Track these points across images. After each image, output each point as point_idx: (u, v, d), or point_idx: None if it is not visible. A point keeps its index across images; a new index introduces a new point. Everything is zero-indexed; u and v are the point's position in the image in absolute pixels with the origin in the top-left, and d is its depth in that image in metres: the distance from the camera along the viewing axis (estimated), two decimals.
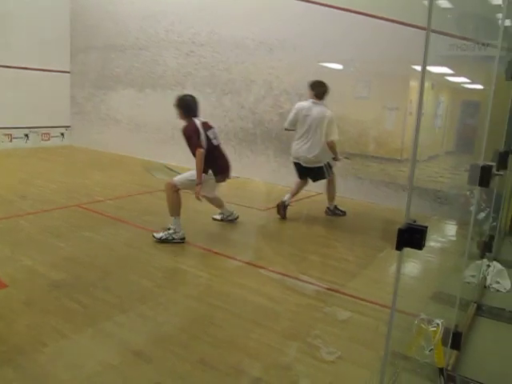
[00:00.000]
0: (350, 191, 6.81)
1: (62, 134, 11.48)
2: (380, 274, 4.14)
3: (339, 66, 7.18)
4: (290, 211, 5.59)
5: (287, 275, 3.86)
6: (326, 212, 5.99)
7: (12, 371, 2.40)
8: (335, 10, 6.73)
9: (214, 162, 4.66)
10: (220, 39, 8.40)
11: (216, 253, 4.32)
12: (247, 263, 4.11)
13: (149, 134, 9.69)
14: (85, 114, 11.35)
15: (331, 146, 5.46)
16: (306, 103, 5.49)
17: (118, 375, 2.43)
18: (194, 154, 4.50)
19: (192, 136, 4.53)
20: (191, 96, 4.82)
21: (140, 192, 6.72)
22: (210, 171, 4.63)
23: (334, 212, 5.95)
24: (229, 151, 8.11)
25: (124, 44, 10.16)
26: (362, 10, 6.42)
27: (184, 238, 4.48)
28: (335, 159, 5.66)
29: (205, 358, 2.61)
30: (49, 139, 11.17)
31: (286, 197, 5.63)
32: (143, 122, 9.83)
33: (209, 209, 5.31)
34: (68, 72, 11.44)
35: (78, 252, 4.09)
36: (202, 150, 4.44)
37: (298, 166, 5.62)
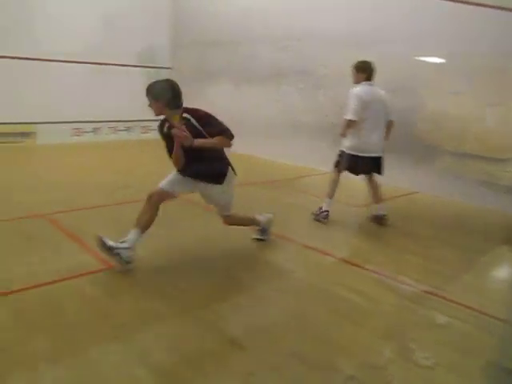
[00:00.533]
0: (446, 190, 6.49)
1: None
2: (482, 280, 3.93)
3: (438, 60, 6.83)
4: (388, 208, 5.38)
5: (383, 274, 3.78)
6: (376, 219, 5.28)
7: (121, 346, 2.60)
8: (429, 2, 6.41)
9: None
10: (315, 33, 8.34)
11: (311, 248, 4.32)
12: (343, 260, 4.08)
13: (243, 127, 9.87)
14: None
15: (391, 126, 5.13)
16: (364, 88, 4.97)
17: (214, 361, 2.53)
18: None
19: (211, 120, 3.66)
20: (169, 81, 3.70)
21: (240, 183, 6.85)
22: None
23: (381, 218, 5.25)
24: (323, 147, 8.17)
25: (221, 40, 10.44)
26: None
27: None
28: (386, 139, 5.16)
29: (297, 351, 2.64)
30: (148, 132, 11.78)
31: (377, 207, 5.24)
32: (239, 117, 10.01)
33: (305, 203, 5.33)
34: (168, 68, 11.98)
35: (178, 240, 4.31)
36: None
37: (359, 160, 5.02)
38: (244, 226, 4.32)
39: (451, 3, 6.09)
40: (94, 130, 10.85)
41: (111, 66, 10.74)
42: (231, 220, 4.09)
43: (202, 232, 4.67)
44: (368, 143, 4.98)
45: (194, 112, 3.63)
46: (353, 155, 5.01)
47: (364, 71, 5.04)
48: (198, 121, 3.58)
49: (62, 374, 2.34)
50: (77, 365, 2.42)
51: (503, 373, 2.26)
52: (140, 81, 11.17)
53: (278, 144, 9.03)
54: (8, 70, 9.41)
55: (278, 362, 2.53)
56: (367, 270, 3.87)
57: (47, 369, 2.37)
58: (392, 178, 7.04)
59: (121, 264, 3.48)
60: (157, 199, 3.63)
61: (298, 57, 8.74)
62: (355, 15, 7.57)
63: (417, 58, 6.92)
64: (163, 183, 3.70)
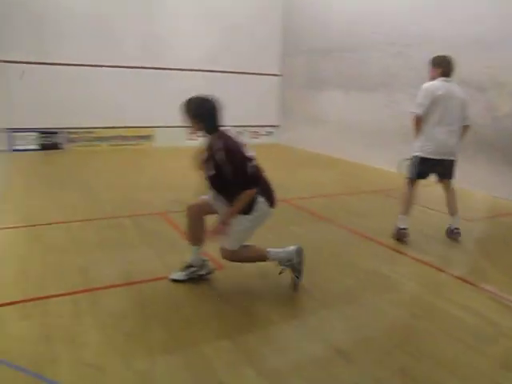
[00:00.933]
0: None
1: (271, 133, 12.32)
2: None
3: None
4: (506, 224, 4.99)
5: (501, 295, 3.50)
6: (448, 233, 4.82)
7: (231, 344, 2.70)
8: None
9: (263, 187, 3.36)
10: (430, 39, 7.97)
11: (424, 262, 4.13)
12: (458, 277, 3.84)
13: (355, 135, 9.76)
14: (293, 114, 11.98)
15: (466, 131, 4.65)
16: (437, 82, 4.49)
17: (320, 368, 2.52)
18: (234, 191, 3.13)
19: (235, 161, 3.09)
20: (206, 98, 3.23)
21: (346, 193, 6.82)
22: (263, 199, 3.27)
23: (452, 232, 4.78)
24: None
25: (331, 47, 10.42)
26: None
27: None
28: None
29: (406, 368, 2.54)
30: (258, 137, 12.08)
31: (453, 221, 4.77)
32: (349, 124, 9.94)
33: (419, 215, 5.14)
34: (279, 75, 12.21)
35: (287, 245, 4.34)
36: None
37: (430, 162, 4.53)
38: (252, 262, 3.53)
39: None
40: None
41: (226, 74, 11.20)
42: (232, 257, 3.34)
43: (309, 237, 4.69)
44: (442, 143, 4.50)
45: (221, 143, 3.10)
46: (424, 158, 4.55)
47: (439, 66, 4.59)
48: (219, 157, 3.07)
49: (175, 363, 2.49)
50: (190, 357, 2.55)
51: None
52: (251, 87, 11.59)
53: (389, 151, 8.77)
54: (135, 78, 10.25)
55: (384, 377, 2.47)
56: (484, 289, 3.62)
57: (163, 357, 2.53)
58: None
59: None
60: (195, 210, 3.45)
61: (411, 62, 8.43)
62: (475, 15, 7.12)
63: None
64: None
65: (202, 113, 3.17)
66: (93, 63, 9.79)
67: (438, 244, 4.75)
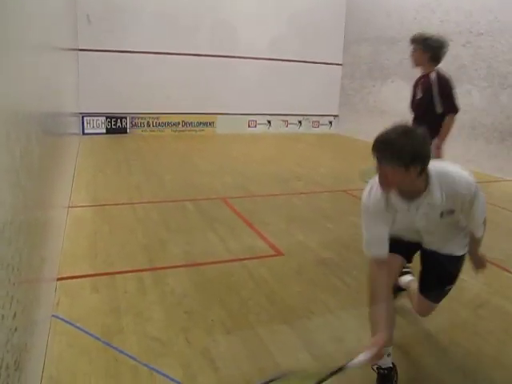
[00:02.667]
0: None
1: (330, 123, 12.22)
2: None
3: None
4: None
5: None
6: None
7: (287, 328, 2.76)
8: None
9: None
10: (503, 27, 7.60)
11: (490, 262, 3.99)
12: None
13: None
14: (353, 104, 11.80)
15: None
16: None
17: None
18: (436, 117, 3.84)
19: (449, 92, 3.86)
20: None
21: None
22: None
23: None
24: (502, 152, 7.47)
25: (396, 36, 10.13)
26: None
27: None
28: None
29: (464, 367, 2.50)
30: (318, 126, 12.02)
31: None
32: (410, 115, 9.67)
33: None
34: (339, 64, 12.04)
35: (345, 235, 4.35)
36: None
37: None
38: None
39: None
40: (268, 123, 11.44)
41: (290, 63, 11.19)
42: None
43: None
44: None
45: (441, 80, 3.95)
46: None
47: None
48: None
49: (234, 343, 2.58)
50: (247, 338, 2.63)
51: None
52: (313, 77, 11.50)
53: (454, 146, 8.47)
54: (199, 65, 10.45)
55: (441, 374, 2.43)
56: None
57: (222, 336, 2.63)
58: None
59: None
60: None
61: (481, 53, 8.07)
62: None
63: None
64: None
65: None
66: (159, 51, 10.07)
67: (504, 243, 4.58)
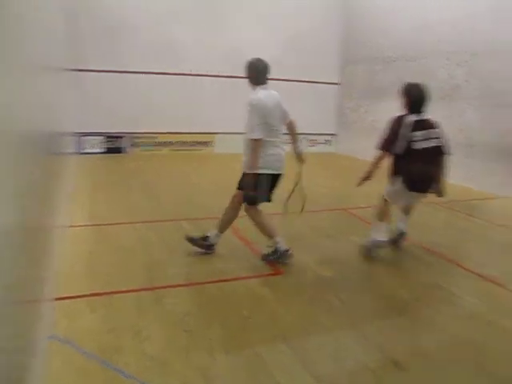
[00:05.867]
0: None
1: (328, 141, 12.30)
2: None
3: None
4: None
5: None
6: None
7: (287, 348, 2.75)
8: None
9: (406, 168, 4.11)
10: (498, 47, 7.72)
11: (482, 277, 4.01)
12: None
13: None
14: (350, 123, 11.91)
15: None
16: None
17: (374, 378, 2.53)
18: None
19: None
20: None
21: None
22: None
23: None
24: (499, 169, 7.52)
25: (392, 56, 10.28)
26: None
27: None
28: None
29: (462, 382, 2.50)
30: (314, 145, 12.08)
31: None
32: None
33: (478, 228, 5.00)
34: (336, 83, 12.18)
35: (344, 254, 4.36)
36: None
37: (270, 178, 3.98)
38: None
39: None
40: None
41: (288, 82, 11.31)
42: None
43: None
44: (280, 157, 4.11)
45: None
46: (268, 174, 4.02)
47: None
48: None
49: (234, 362, 2.58)
50: (247, 358, 2.63)
51: None
52: (309, 96, 11.60)
53: (450, 164, 8.55)
54: (197, 86, 10.56)
55: None
56: None
57: (222, 356, 2.62)
58: None
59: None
60: None
61: (476, 72, 8.18)
62: None
63: None
64: None
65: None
66: (157, 71, 10.17)
67: (498, 258, 4.61)
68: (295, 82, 11.39)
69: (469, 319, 3.29)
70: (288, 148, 4.05)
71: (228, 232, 4.81)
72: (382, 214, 4.28)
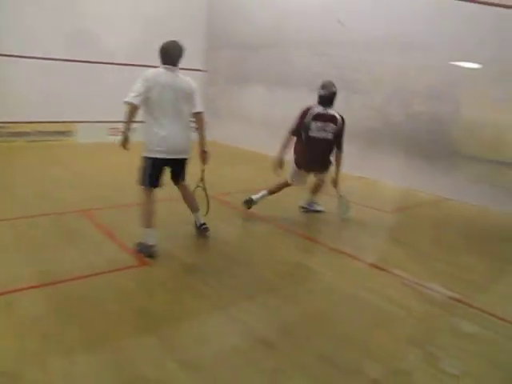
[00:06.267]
0: (483, 199, 6.39)
1: (196, 129, 12.25)
2: (511, 289, 3.88)
3: (475, 66, 6.71)
4: (419, 214, 5.38)
5: (412, 280, 3.78)
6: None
7: (154, 339, 2.71)
8: (469, 6, 6.25)
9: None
10: (350, 39, 8.33)
11: (341, 251, 4.35)
12: (372, 265, 4.09)
13: (277, 131, 9.93)
14: (217, 109, 11.97)
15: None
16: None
17: (243, 357, 2.60)
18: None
19: None
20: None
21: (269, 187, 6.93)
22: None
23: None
24: (354, 151, 8.15)
25: (255, 43, 10.54)
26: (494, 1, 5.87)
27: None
28: None
29: (325, 352, 2.69)
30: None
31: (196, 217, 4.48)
32: (272, 119, 10.11)
33: (336, 208, 5.38)
34: (202, 70, 12.15)
35: (209, 240, 4.40)
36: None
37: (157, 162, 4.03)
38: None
39: (492, 10, 5.97)
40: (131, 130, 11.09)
41: (148, 68, 10.98)
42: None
43: (231, 233, 4.77)
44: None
45: None
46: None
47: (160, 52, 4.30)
48: None
49: (97, 361, 2.46)
50: (112, 355, 2.53)
51: None
52: None
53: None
54: (49, 70, 9.78)
55: (305, 362, 2.59)
56: (395, 275, 3.88)
57: (84, 356, 2.49)
58: (425, 185, 7.02)
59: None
60: None
61: (333, 61, 8.73)
62: (392, 18, 7.52)
63: (453, 63, 6.84)
64: None
65: None
66: (12, 53, 9.24)
67: (353, 234, 5.03)
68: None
69: (328, 292, 3.54)
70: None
71: (90, 225, 4.61)
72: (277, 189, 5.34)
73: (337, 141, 5.11)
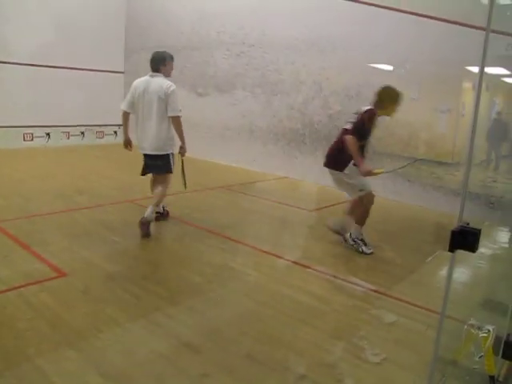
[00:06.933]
0: (398, 194, 6.72)
1: (115, 132, 11.87)
2: (428, 279, 4.09)
3: (390, 67, 7.07)
4: (340, 211, 5.50)
5: (334, 276, 3.89)
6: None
7: (74, 353, 2.56)
8: (384, 11, 6.60)
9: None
10: (270, 40, 8.46)
11: (264, 252, 4.38)
12: (295, 263, 4.16)
13: (200, 132, 9.88)
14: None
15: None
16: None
17: (168, 364, 2.53)
18: None
19: None
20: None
21: (191, 190, 6.85)
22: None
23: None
24: (277, 152, 8.30)
25: (176, 45, 10.37)
26: (412, 10, 6.25)
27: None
28: None
29: (252, 352, 2.68)
30: (103, 137, 11.57)
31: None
32: (194, 121, 10.00)
33: (259, 207, 5.41)
34: (122, 72, 11.82)
35: (131, 246, 4.27)
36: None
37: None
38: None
39: (403, 15, 6.30)
40: (46, 135, 10.57)
41: (64, 70, 10.49)
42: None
43: (153, 238, 4.65)
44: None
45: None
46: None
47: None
48: None
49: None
50: (25, 375, 2.36)
51: (445, 364, 2.39)
52: (94, 85, 11.02)
53: (234, 149, 9.11)
54: None
55: (232, 364, 2.57)
56: (318, 271, 3.97)
57: None
58: None
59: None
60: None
61: (254, 63, 8.82)
62: (312, 22, 7.72)
63: (370, 65, 7.14)
64: None
65: None
66: None
67: (276, 233, 5.11)
68: (74, 70, 10.64)
69: (254, 292, 3.55)
70: None
71: (1, 236, 4.33)
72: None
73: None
